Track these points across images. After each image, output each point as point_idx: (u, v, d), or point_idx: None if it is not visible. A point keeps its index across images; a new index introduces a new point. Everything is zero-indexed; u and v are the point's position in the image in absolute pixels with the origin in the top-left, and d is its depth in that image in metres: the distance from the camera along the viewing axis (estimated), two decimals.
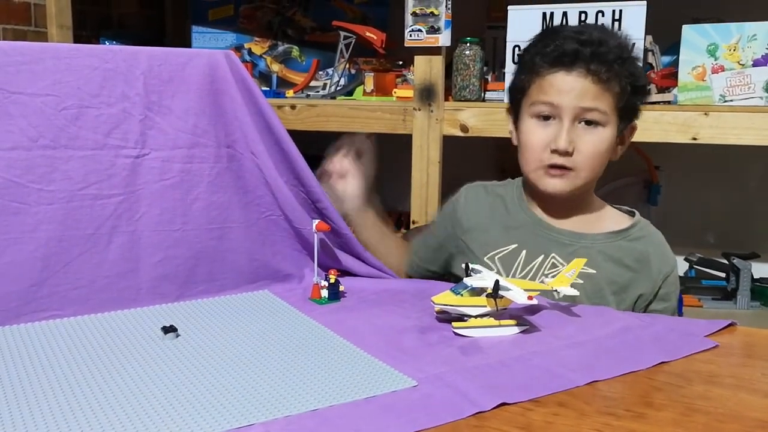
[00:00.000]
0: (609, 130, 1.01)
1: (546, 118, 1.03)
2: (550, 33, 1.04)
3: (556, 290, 0.90)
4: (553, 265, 1.06)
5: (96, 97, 0.91)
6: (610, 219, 1.10)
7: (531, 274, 1.06)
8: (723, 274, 1.84)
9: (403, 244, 1.25)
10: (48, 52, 0.89)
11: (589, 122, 1.01)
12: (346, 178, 1.15)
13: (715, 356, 0.77)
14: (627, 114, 1.04)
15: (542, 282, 0.94)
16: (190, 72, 0.98)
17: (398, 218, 2.17)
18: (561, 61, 1.00)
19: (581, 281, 0.99)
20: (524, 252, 1.07)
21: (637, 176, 1.93)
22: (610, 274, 1.03)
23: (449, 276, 1.18)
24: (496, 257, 1.09)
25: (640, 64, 1.05)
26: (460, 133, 1.65)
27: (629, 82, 1.01)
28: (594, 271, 0.93)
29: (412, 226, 1.70)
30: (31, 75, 0.87)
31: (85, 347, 0.79)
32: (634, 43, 1.05)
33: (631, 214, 1.11)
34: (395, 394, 0.67)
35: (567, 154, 1.01)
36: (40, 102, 0.87)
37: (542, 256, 1.06)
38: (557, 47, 1.00)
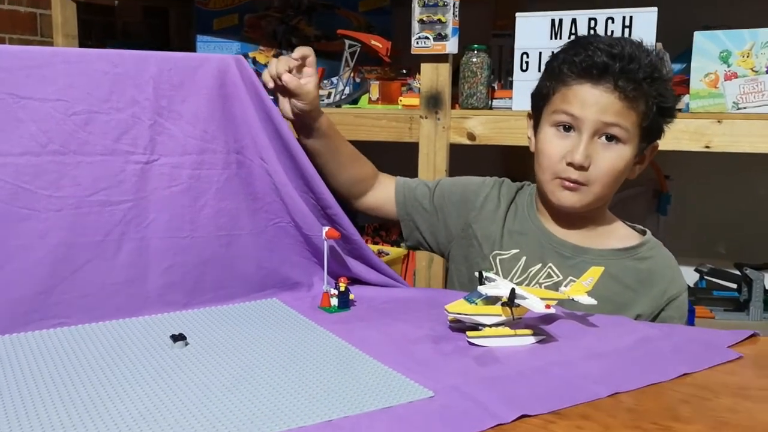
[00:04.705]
0: (629, 148, 0.99)
1: (566, 129, 1.00)
2: (581, 42, 1.01)
3: (572, 299, 0.88)
4: (549, 275, 1.04)
5: (106, 102, 0.90)
6: (618, 236, 1.08)
7: (527, 281, 1.05)
8: (735, 285, 1.82)
9: (357, 153, 1.16)
10: (58, 56, 0.87)
11: (609, 138, 0.98)
12: (303, 74, 1.05)
13: (739, 367, 0.75)
14: (650, 134, 1.01)
15: (558, 291, 0.93)
16: (201, 77, 0.97)
17: None
18: (589, 73, 0.97)
19: None
20: (524, 258, 1.06)
21: (646, 185, 1.91)
22: (609, 293, 1.00)
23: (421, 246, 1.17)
24: (497, 257, 1.08)
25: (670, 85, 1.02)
26: (467, 141, 1.64)
27: (656, 102, 0.98)
28: (596, 303, 0.91)
29: None
30: (41, 80, 0.86)
31: (93, 355, 0.77)
32: (666, 63, 1.03)
33: (643, 233, 1.09)
34: (412, 405, 0.65)
35: (582, 168, 0.98)
36: (50, 107, 0.86)
37: (539, 265, 1.05)
38: (587, 58, 0.97)
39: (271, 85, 1.04)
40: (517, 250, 1.07)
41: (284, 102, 1.05)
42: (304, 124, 1.07)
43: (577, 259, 1.04)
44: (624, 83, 0.96)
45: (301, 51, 1.05)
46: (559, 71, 1.01)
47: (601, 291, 0.96)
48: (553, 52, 1.06)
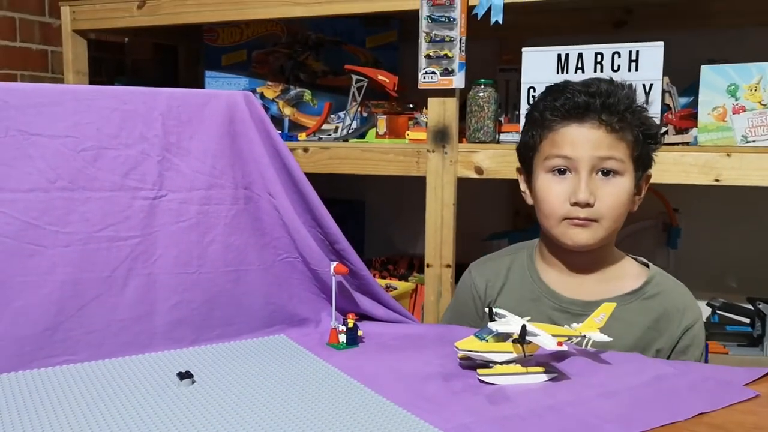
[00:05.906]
0: (627, 179, 1.00)
1: (562, 172, 1.01)
2: (557, 88, 1.04)
3: (584, 335, 0.87)
4: None
5: (115, 138, 0.90)
6: (628, 276, 1.06)
7: None
8: (747, 320, 1.78)
9: None
10: (68, 93, 0.88)
11: (606, 172, 1.00)
12: None
13: (757, 406, 0.73)
14: (642, 163, 1.03)
15: (570, 327, 0.91)
16: (209, 113, 0.97)
17: (410, 262, 2.14)
18: (572, 114, 0.99)
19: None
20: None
21: (655, 219, 1.90)
22: (627, 340, 0.99)
23: None
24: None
25: (654, 114, 1.04)
26: (475, 175, 1.64)
27: (641, 131, 1.00)
28: (611, 339, 0.90)
29: (426, 269, 1.67)
30: (50, 116, 0.87)
31: (99, 393, 0.76)
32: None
33: (647, 267, 1.08)
34: None
35: (588, 205, 0.99)
36: (59, 143, 0.87)
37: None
38: (567, 100, 0.99)
39: None
40: (529, 317, 1.06)
41: None
42: None
43: (587, 314, 0.98)
44: (607, 117, 0.98)
45: None
46: (542, 118, 1.02)
47: (623, 341, 0.96)
48: (537, 88, 1.06)
